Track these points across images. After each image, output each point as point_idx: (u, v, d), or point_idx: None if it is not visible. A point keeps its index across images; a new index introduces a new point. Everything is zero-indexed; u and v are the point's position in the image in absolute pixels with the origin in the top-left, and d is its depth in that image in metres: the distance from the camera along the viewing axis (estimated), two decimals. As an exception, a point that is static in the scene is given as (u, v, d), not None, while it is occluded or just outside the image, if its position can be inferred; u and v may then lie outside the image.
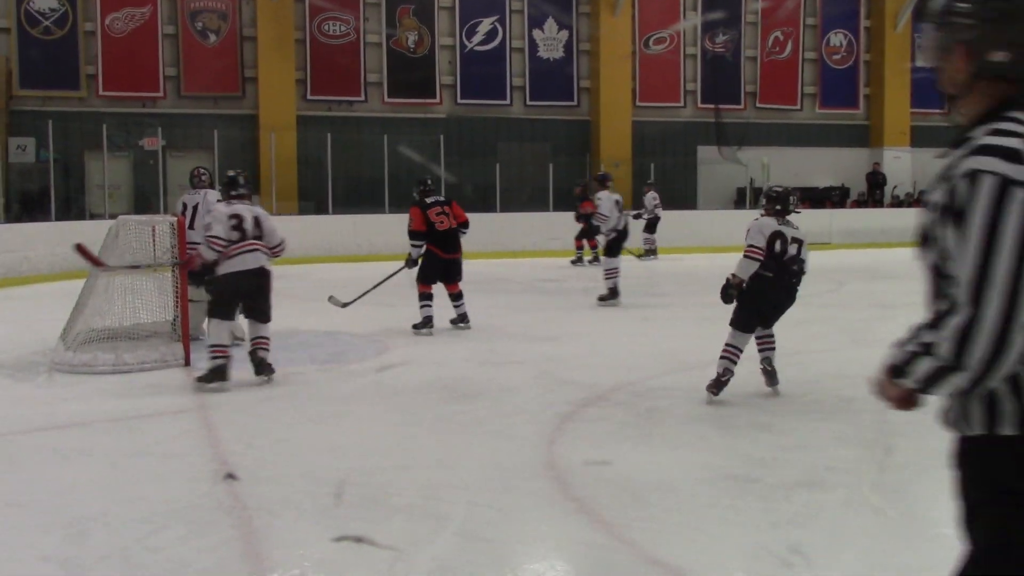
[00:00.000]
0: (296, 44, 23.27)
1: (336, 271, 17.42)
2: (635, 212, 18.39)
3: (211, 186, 9.89)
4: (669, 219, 21.13)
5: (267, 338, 7.75)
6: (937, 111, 27.63)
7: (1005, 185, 1.90)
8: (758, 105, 26.83)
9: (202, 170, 10.00)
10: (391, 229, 20.66)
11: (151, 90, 22.43)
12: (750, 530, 4.44)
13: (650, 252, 20.34)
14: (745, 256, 6.98)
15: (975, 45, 2.09)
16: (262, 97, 22.90)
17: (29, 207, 20.49)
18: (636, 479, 5.14)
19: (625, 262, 13.56)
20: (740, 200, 25.85)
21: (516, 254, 20.90)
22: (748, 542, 4.28)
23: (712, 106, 26.29)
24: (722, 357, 7.04)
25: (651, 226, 20.35)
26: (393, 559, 4.05)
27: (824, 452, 5.67)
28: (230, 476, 5.16)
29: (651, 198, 20.42)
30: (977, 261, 1.90)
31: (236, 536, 4.36)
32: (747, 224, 7.20)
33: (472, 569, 3.96)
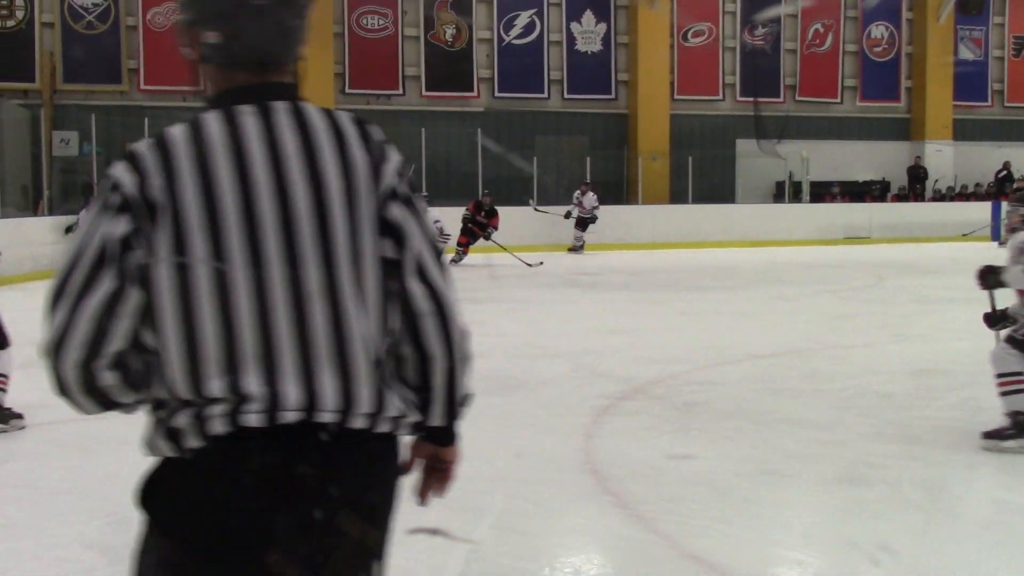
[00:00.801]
0: (335, 38, 23.38)
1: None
2: (566, 211, 20.17)
3: None
4: (707, 213, 21.05)
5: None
6: (980, 104, 27.35)
7: None
8: (798, 98, 26.62)
9: None
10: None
11: (195, 83, 22.58)
12: (787, 526, 4.41)
13: (578, 248, 21.30)
14: None
15: (190, 25, 1.84)
16: (301, 90, 22.98)
17: (73, 200, 20.74)
18: (673, 473, 5.13)
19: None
20: (779, 194, 25.67)
21: (553, 247, 20.89)
22: (785, 538, 4.26)
23: (751, 99, 26.12)
24: (1007, 392, 5.48)
25: (583, 224, 21.26)
26: (430, 550, 4.06)
27: (863, 447, 5.63)
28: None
29: (591, 199, 21.13)
30: None
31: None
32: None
33: (509, 561, 3.97)
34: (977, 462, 5.29)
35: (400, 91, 24.00)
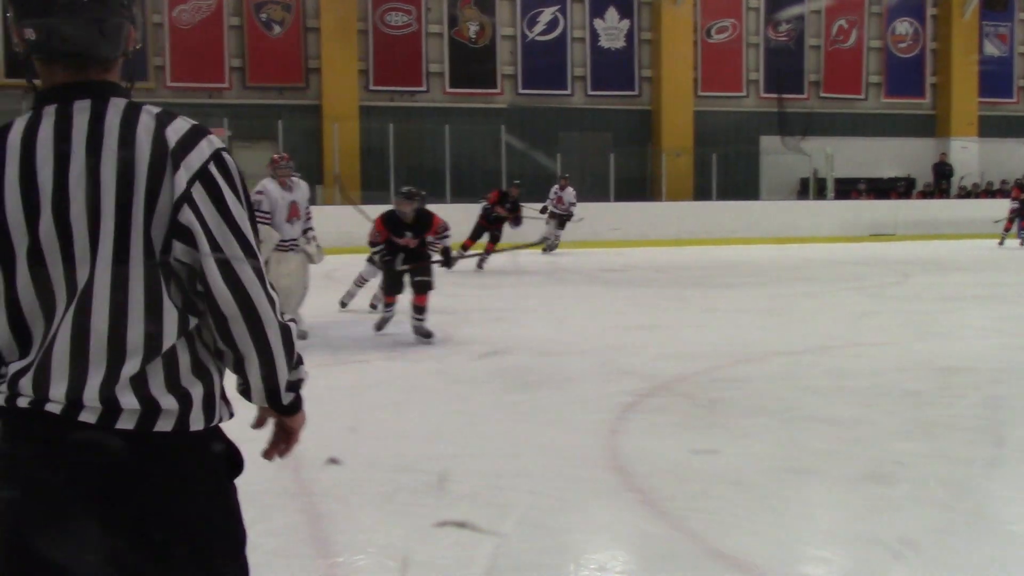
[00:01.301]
0: (359, 35, 23.45)
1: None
2: (540, 206, 18.89)
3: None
4: (731, 209, 20.97)
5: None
6: (1005, 100, 27.14)
7: None
8: (822, 95, 26.50)
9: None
10: (453, 218, 20.82)
11: (217, 81, 22.77)
12: (813, 524, 4.42)
13: (552, 246, 19.71)
14: None
15: (14, 21, 1.84)
16: (325, 87, 23.12)
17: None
18: (699, 470, 5.14)
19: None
20: (803, 191, 25.58)
21: (579, 244, 20.88)
22: (811, 536, 4.27)
23: (775, 95, 26.02)
24: None
25: (561, 221, 19.74)
26: (457, 545, 4.10)
27: (889, 446, 5.62)
28: (332, 461, 5.21)
29: (571, 194, 19.70)
30: None
31: (302, 520, 4.44)
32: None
33: (534, 557, 4.00)
34: (1007, 460, 5.27)
35: (424, 88, 24.05)
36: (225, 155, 1.84)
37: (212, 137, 1.84)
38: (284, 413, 2.04)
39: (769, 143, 25.87)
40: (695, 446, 5.62)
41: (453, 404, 6.76)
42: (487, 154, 22.98)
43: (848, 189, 25.23)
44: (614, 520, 4.51)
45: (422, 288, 9.01)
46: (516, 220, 17.12)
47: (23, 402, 1.74)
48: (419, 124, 23.07)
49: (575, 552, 4.14)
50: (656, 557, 4.09)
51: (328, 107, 22.86)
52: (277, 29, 23.18)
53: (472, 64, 24.25)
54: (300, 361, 1.98)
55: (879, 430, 5.99)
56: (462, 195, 22.05)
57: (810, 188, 25.12)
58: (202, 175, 1.78)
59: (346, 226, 19.44)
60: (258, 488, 4.86)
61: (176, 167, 1.76)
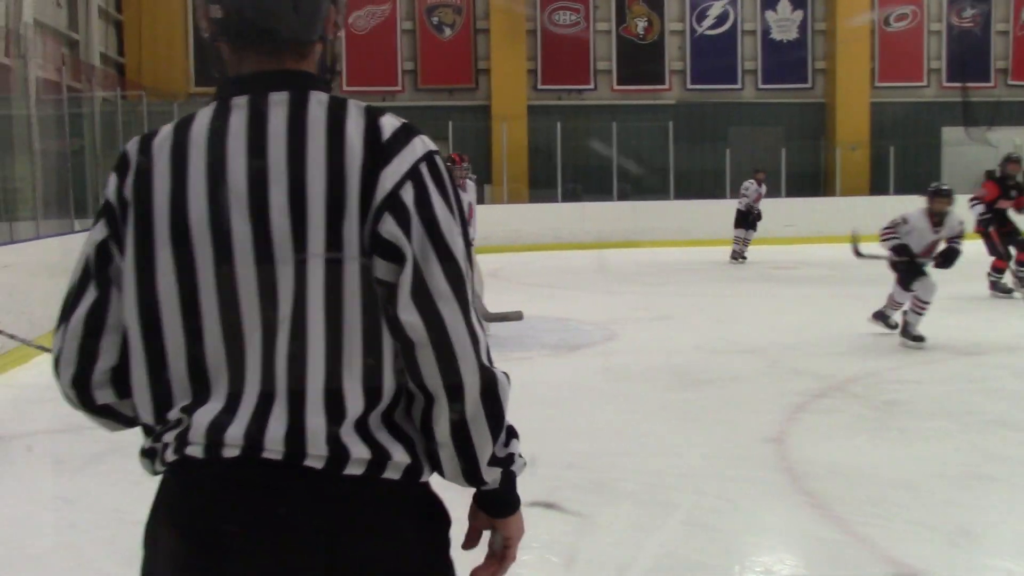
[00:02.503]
0: (527, 35, 23.65)
1: (567, 258, 17.63)
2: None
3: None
4: (910, 205, 20.11)
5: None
6: None
7: None
8: (1010, 82, 25.18)
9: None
10: (620, 216, 20.78)
11: (390, 84, 23.38)
12: (992, 531, 4.21)
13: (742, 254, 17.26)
14: None
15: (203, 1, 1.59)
16: (494, 88, 23.41)
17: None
18: (871, 474, 4.97)
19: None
20: (990, 183, 24.39)
21: (752, 242, 20.47)
22: (993, 544, 4.07)
23: (958, 84, 24.89)
24: None
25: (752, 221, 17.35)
26: (617, 544, 4.09)
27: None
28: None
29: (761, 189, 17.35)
30: None
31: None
32: None
33: (699, 557, 3.95)
34: None
35: (591, 86, 24.05)
36: (437, 158, 1.55)
37: (425, 137, 1.57)
38: (491, 508, 1.64)
39: (951, 134, 24.77)
40: (868, 449, 5.45)
41: (618, 403, 6.74)
42: (655, 151, 22.81)
43: (1039, 181, 23.90)
44: (781, 522, 4.42)
45: None
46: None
47: (198, 451, 1.46)
48: (586, 122, 23.09)
49: (741, 553, 4.08)
50: (825, 561, 3.99)
51: (497, 107, 23.14)
52: (448, 32, 23.62)
53: (640, 61, 24.11)
54: (513, 434, 1.61)
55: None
56: (633, 193, 21.99)
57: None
58: (413, 175, 1.50)
59: (515, 223, 19.73)
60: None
61: (387, 167, 1.49)
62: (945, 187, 8.58)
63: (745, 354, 8.31)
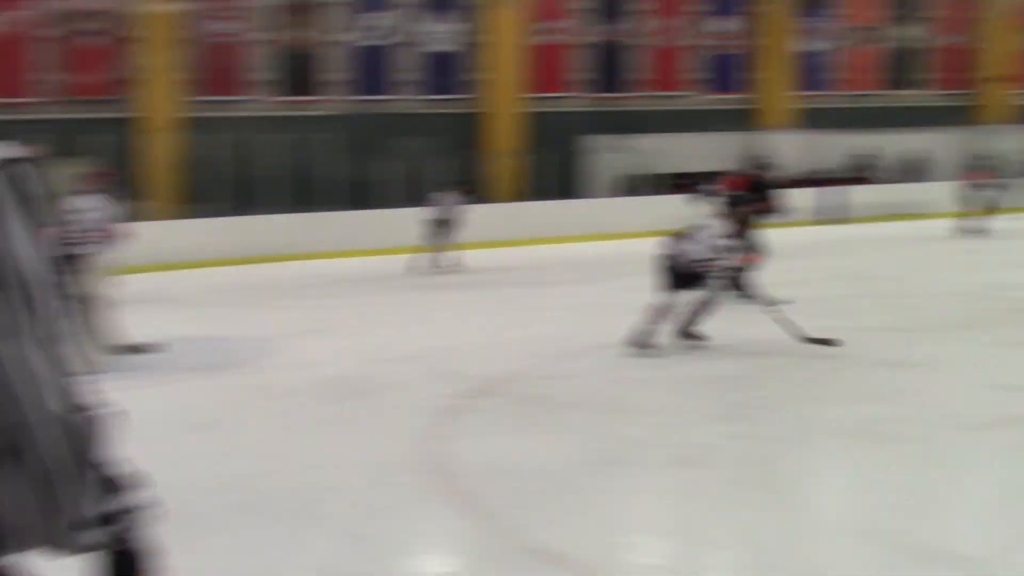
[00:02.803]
0: (182, 44, 22.88)
1: (232, 275, 17.15)
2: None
3: None
4: (554, 209, 21.10)
5: None
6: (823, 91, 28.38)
7: None
8: (647, 93, 27.14)
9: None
10: (290, 228, 20.52)
11: (24, 95, 21.93)
12: (627, 512, 4.57)
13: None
14: None
15: None
16: (147, 99, 22.48)
17: None
18: (518, 467, 5.27)
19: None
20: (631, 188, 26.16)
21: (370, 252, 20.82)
22: (623, 523, 4.42)
23: (603, 95, 26.52)
24: None
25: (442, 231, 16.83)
26: (272, 566, 4.07)
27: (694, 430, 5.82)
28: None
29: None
30: None
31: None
32: None
33: (356, 569, 4.05)
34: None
35: (252, 96, 23.63)
36: (25, 166, 1.45)
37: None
38: None
39: (594, 142, 26.29)
40: (515, 443, 5.76)
41: (273, 420, 6.67)
42: (324, 161, 22.79)
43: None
44: (434, 524, 4.59)
45: None
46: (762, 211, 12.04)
47: None
48: (250, 134, 22.67)
49: (397, 559, 4.21)
50: (476, 557, 4.19)
51: (149, 118, 22.26)
52: (93, 40, 22.42)
53: (301, 71, 23.97)
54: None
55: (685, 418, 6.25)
56: (296, 205, 21.81)
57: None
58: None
59: (174, 240, 18.99)
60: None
61: None
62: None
63: (404, 361, 8.41)
